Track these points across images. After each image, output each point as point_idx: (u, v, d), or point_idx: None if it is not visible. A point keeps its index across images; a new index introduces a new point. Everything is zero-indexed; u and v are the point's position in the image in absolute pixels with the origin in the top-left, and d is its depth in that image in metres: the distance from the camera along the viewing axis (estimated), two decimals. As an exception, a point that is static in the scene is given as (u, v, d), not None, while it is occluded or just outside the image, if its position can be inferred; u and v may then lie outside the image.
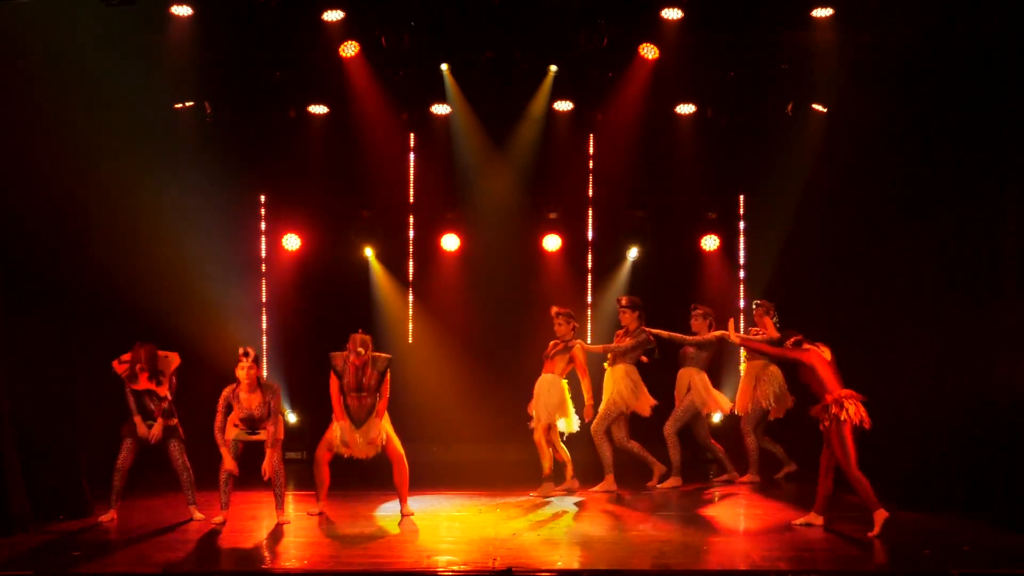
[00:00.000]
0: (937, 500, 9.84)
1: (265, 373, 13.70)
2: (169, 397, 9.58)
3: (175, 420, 9.63)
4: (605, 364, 11.41)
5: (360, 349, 9.48)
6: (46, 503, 9.51)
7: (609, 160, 13.88)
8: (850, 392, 9.04)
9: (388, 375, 9.65)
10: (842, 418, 8.89)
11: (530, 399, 11.13)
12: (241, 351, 9.38)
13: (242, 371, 9.32)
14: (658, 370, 11.59)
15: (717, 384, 12.01)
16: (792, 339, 9.57)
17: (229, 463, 9.35)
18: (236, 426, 9.42)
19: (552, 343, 11.12)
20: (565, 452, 11.07)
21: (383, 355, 9.68)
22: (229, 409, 9.39)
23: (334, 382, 9.63)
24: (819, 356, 9.22)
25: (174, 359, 9.66)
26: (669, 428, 11.46)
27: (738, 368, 13.56)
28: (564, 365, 11.04)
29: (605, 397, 11.25)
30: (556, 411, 10.93)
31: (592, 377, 11.14)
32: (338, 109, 13.09)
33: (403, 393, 12.14)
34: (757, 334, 11.45)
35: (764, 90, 12.72)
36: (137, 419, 9.48)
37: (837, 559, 8.22)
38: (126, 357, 9.51)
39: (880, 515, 8.82)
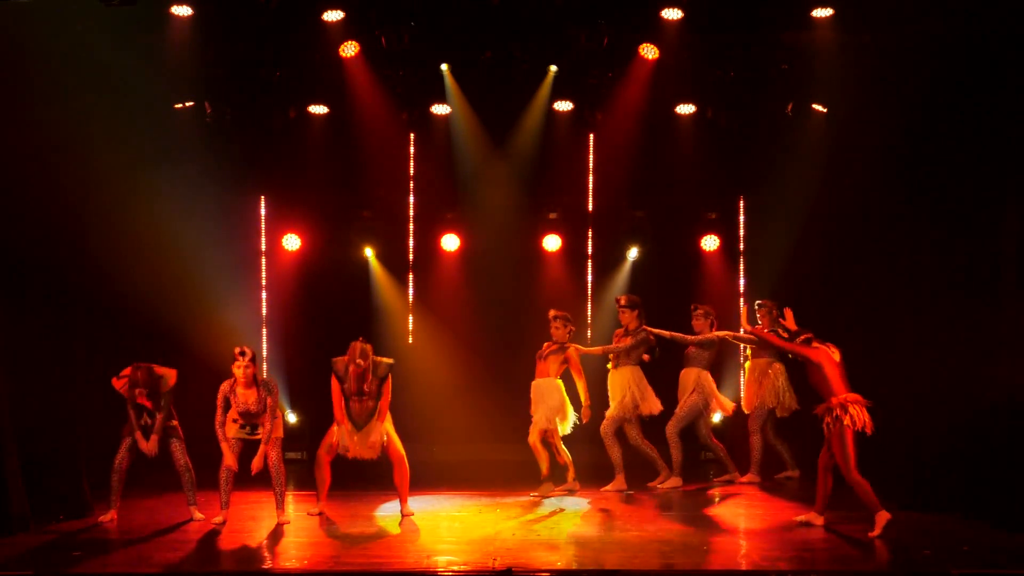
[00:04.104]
0: (937, 500, 9.84)
1: (265, 373, 13.71)
2: (160, 415, 9.51)
3: (175, 421, 9.62)
4: (608, 366, 11.41)
5: (360, 360, 9.41)
6: (46, 503, 9.51)
7: (609, 160, 13.87)
8: (856, 396, 8.98)
9: (389, 379, 9.62)
10: (845, 422, 8.86)
11: (530, 401, 11.12)
12: (237, 350, 9.37)
13: (239, 370, 9.33)
14: (661, 370, 11.58)
15: (719, 383, 12.01)
16: (803, 336, 9.50)
17: (229, 459, 9.35)
18: (235, 421, 9.43)
19: (546, 344, 11.11)
20: (566, 454, 11.04)
21: (385, 361, 9.62)
22: (228, 404, 9.39)
23: (335, 386, 9.59)
24: (827, 355, 9.15)
25: (170, 378, 9.55)
26: (671, 428, 11.44)
27: (738, 366, 13.59)
28: (558, 366, 11.01)
29: (613, 400, 11.25)
30: (556, 415, 10.92)
31: (590, 377, 11.12)
32: (338, 109, 13.09)
33: (403, 393, 12.09)
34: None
35: (764, 90, 12.70)
36: (138, 434, 9.46)
37: (837, 559, 8.21)
38: (125, 372, 9.45)
39: (882, 517, 8.80)
